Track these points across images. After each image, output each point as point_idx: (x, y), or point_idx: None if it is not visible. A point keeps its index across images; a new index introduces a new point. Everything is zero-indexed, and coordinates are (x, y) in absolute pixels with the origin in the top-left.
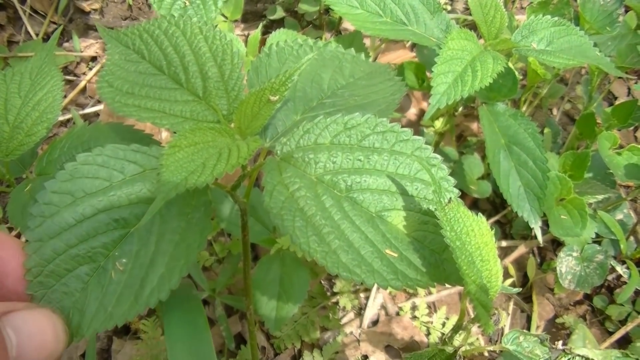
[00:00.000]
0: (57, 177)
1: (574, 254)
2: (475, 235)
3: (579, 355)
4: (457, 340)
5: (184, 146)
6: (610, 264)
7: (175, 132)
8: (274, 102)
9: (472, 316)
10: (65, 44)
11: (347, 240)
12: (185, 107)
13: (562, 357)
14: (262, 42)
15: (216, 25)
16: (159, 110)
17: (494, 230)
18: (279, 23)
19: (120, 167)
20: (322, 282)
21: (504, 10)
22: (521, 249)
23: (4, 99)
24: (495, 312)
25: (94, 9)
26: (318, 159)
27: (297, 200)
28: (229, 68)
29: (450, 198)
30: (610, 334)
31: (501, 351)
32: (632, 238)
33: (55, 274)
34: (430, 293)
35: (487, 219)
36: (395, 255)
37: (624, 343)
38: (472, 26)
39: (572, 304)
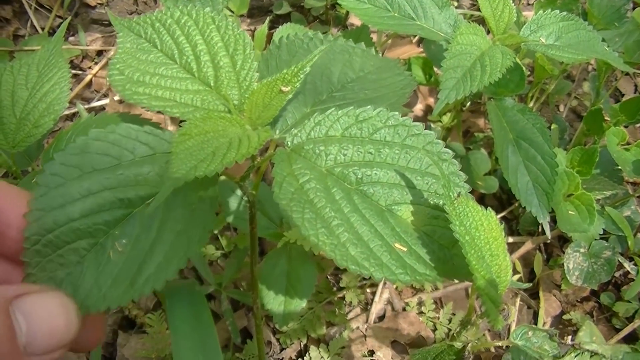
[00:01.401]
0: (67, 150)
1: (582, 250)
2: (484, 229)
3: (588, 350)
4: (465, 336)
5: (194, 134)
6: (618, 261)
7: (184, 121)
8: (285, 92)
9: (480, 311)
10: (71, 38)
11: (356, 234)
12: (196, 96)
13: (571, 353)
14: (269, 37)
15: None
16: (170, 99)
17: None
18: (285, 18)
19: (131, 147)
20: (329, 277)
21: (512, 5)
22: (528, 245)
23: (11, 90)
24: (505, 307)
25: (99, 3)
26: (329, 151)
27: (307, 192)
28: (241, 58)
29: (460, 192)
30: (618, 330)
31: (508, 347)
32: (639, 235)
33: (53, 244)
34: (436, 289)
35: None
36: (404, 249)
37: (631, 340)
38: (480, 22)
39: (579, 300)
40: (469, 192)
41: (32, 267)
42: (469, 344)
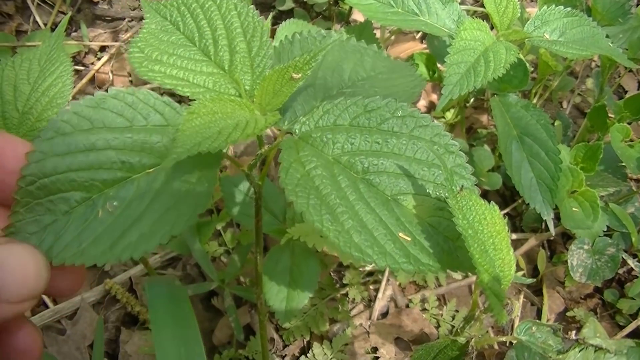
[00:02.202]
0: (84, 102)
1: (585, 247)
2: (487, 223)
3: (592, 345)
4: (468, 332)
5: (202, 114)
6: (622, 257)
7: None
8: (296, 80)
9: (483, 307)
10: (74, 34)
11: (361, 221)
12: (209, 78)
13: (575, 347)
14: (272, 33)
15: None
16: (183, 79)
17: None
18: (288, 14)
19: (146, 113)
20: (332, 273)
21: (517, 0)
22: (531, 242)
23: (13, 85)
24: (508, 301)
25: None
26: (336, 140)
27: (313, 179)
28: (257, 45)
29: (462, 185)
30: (621, 327)
31: (512, 343)
32: None
33: (47, 189)
34: (440, 285)
35: None
36: (409, 239)
37: (635, 337)
38: (484, 18)
39: (582, 297)
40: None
41: (20, 206)
42: (472, 339)
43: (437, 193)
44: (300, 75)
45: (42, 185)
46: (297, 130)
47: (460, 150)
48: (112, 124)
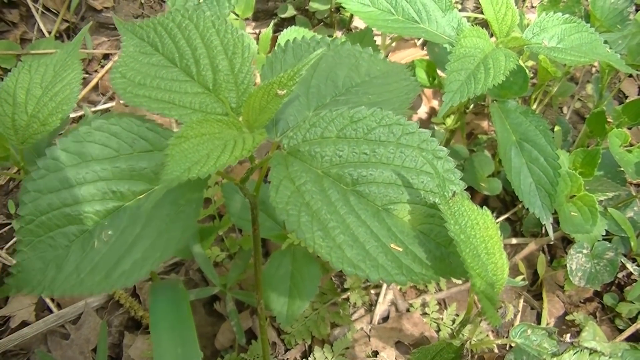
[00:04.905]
0: (70, 137)
1: (585, 251)
2: (480, 228)
3: (587, 348)
4: (466, 334)
5: (190, 137)
6: (621, 261)
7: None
8: (281, 96)
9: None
10: None
11: (352, 235)
12: (195, 99)
13: (569, 350)
14: (274, 40)
15: None
16: (169, 102)
17: (499, 224)
18: (290, 21)
19: (131, 141)
20: (333, 278)
21: (515, 8)
22: (531, 247)
23: (26, 88)
24: (502, 305)
25: (105, 7)
26: (324, 153)
27: (303, 195)
28: (239, 62)
29: (455, 191)
30: (621, 331)
31: (511, 346)
32: None
33: (45, 226)
34: (440, 290)
35: (498, 217)
36: (400, 249)
37: (634, 341)
38: (483, 25)
39: (582, 301)
40: (471, 194)
41: (24, 245)
42: (468, 342)
43: (428, 200)
44: (285, 91)
45: (41, 223)
46: (285, 145)
47: (459, 157)
48: (100, 155)
